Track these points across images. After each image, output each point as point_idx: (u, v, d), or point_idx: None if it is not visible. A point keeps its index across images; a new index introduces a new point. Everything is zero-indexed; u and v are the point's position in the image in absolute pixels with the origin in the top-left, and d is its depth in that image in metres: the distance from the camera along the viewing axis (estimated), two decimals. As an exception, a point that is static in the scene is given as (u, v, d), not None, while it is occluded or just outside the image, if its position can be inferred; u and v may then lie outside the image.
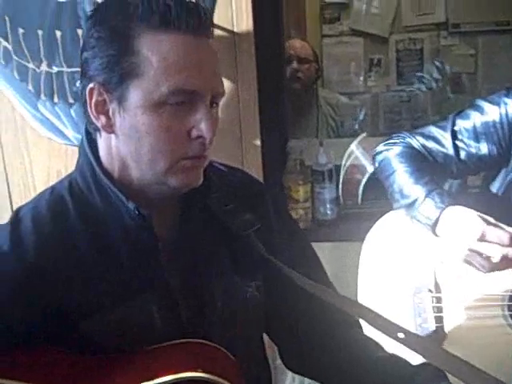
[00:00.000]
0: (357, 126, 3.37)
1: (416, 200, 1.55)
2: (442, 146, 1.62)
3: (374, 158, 1.72)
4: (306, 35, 3.75)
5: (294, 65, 2.95)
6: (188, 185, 1.03)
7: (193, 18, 0.96)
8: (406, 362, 1.18)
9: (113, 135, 1.02)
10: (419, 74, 3.78)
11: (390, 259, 1.64)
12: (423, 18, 3.76)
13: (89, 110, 1.01)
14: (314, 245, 1.34)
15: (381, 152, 1.68)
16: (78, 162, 1.10)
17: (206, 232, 1.13)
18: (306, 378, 1.36)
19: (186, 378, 0.95)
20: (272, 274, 1.17)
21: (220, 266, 1.13)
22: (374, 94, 3.88)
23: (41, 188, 1.85)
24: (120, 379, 0.98)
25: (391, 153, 1.65)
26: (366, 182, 2.21)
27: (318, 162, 2.14)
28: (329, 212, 2.16)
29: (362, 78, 3.87)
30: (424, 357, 1.02)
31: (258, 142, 1.89)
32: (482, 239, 1.44)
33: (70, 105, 1.81)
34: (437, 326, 1.54)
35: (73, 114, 1.81)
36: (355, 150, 2.24)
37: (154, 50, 0.95)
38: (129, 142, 1.00)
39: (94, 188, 1.05)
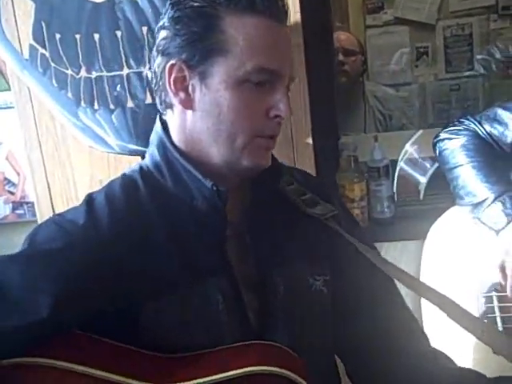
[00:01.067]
0: (405, 120, 3.31)
1: (484, 201, 1.48)
2: (511, 131, 1.52)
3: (434, 145, 1.64)
4: (350, 27, 3.72)
5: (340, 57, 2.91)
6: (259, 165, 1.08)
7: (275, 5, 1.04)
8: (479, 374, 1.14)
9: (189, 111, 1.06)
10: (480, 56, 3.68)
11: (454, 258, 1.56)
12: (471, 2, 3.67)
13: (167, 86, 1.05)
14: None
15: (443, 140, 1.59)
16: (148, 149, 1.16)
17: (277, 219, 1.16)
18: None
19: (259, 371, 0.96)
20: (346, 264, 1.19)
21: (287, 254, 1.14)
22: (422, 84, 3.80)
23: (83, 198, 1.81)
24: (191, 372, 0.98)
25: (455, 143, 1.56)
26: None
27: (373, 158, 2.04)
28: (386, 210, 2.06)
29: (408, 68, 3.79)
30: (502, 355, 1.04)
31: (310, 141, 1.80)
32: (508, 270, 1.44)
33: (111, 111, 1.74)
34: (504, 327, 1.46)
35: (114, 121, 1.74)
36: (409, 149, 2.15)
37: (240, 31, 1.01)
38: (207, 118, 1.04)
39: (166, 169, 1.10)
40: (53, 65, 1.72)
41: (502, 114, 1.54)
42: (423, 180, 2.09)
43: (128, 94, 1.71)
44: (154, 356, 1.01)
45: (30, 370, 0.93)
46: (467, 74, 3.73)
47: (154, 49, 1.09)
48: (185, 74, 1.04)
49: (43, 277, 0.97)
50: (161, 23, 1.08)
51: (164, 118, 1.13)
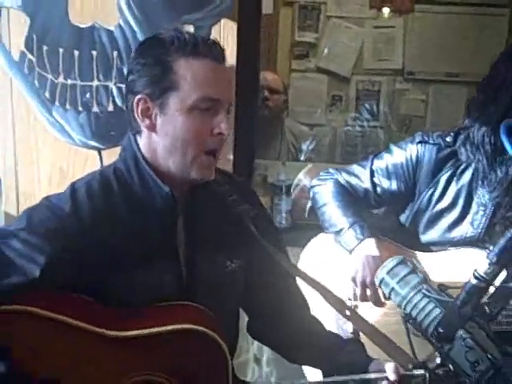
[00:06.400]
0: (314, 155, 3.56)
1: (341, 230, 1.86)
2: (362, 182, 1.93)
3: (309, 190, 2.03)
4: (277, 68, 4.03)
5: (265, 93, 3.22)
6: (204, 177, 1.38)
7: (214, 49, 1.35)
8: (339, 336, 1.58)
9: (154, 133, 1.36)
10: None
11: (321, 271, 1.87)
12: (382, 64, 4.09)
13: (136, 115, 1.36)
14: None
15: (315, 186, 2.00)
16: (120, 155, 1.45)
17: (210, 214, 1.45)
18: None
19: (181, 329, 1.29)
20: (256, 256, 1.49)
21: (214, 242, 1.45)
22: (334, 127, 4.14)
23: (44, 181, 2.12)
24: (135, 324, 1.31)
25: (323, 188, 1.96)
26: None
27: (278, 178, 2.47)
28: (283, 221, 2.50)
29: (323, 112, 4.12)
30: (360, 330, 1.48)
31: (231, 157, 2.17)
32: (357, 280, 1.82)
33: (79, 112, 2.12)
34: (354, 329, 1.77)
35: (80, 121, 2.12)
36: (303, 178, 2.52)
37: (188, 70, 1.32)
38: (166, 138, 1.34)
39: (135, 174, 1.38)
40: (37, 69, 2.10)
41: (357, 169, 1.95)
42: (308, 203, 2.35)
43: (94, 101, 2.11)
44: (109, 309, 1.32)
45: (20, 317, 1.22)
46: (372, 124, 4.12)
47: (125, 89, 1.41)
48: (148, 105, 1.33)
49: (39, 246, 1.27)
50: (129, 68, 1.39)
51: (135, 137, 1.40)
